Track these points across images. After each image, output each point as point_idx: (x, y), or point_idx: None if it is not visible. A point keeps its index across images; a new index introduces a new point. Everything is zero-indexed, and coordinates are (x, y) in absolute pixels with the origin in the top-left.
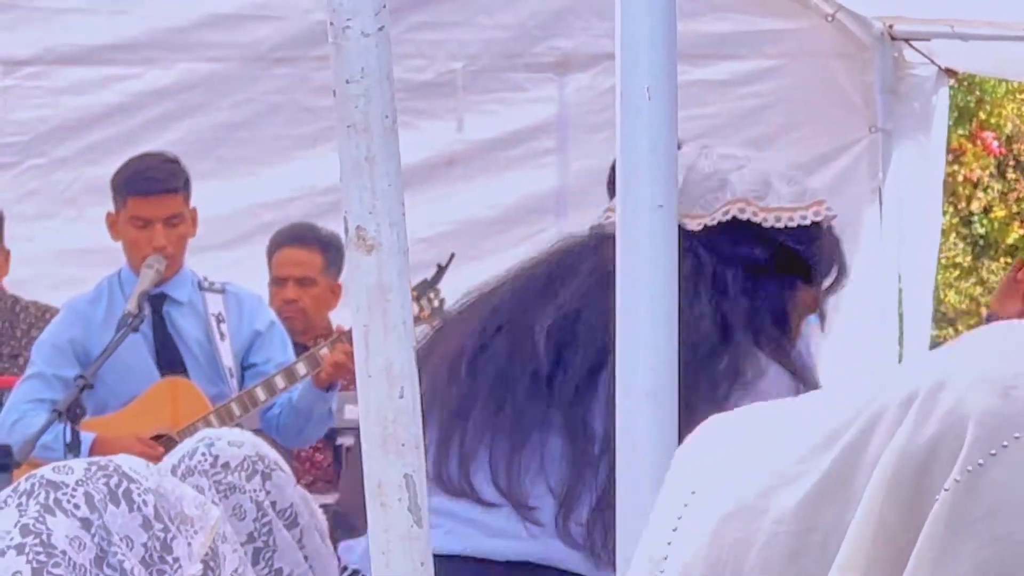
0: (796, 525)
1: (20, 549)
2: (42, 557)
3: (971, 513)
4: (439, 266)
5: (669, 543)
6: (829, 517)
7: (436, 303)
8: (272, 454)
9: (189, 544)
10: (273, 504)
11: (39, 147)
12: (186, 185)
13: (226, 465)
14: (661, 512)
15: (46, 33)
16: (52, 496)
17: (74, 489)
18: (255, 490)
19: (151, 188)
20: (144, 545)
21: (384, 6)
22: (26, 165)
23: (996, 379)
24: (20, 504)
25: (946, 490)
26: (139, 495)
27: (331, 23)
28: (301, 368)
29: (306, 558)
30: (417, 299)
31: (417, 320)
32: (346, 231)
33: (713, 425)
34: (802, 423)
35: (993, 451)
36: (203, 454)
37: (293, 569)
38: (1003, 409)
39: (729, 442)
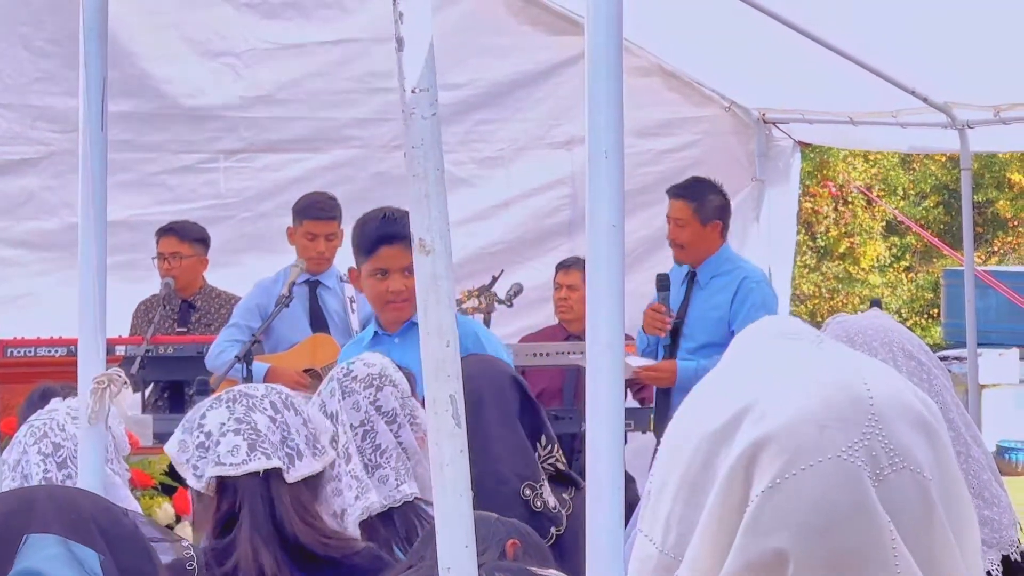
0: (705, 448)
1: (236, 432)
2: (252, 436)
3: (776, 508)
4: (493, 277)
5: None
6: (715, 454)
7: (490, 301)
8: (394, 376)
9: (324, 439)
10: (378, 407)
11: (246, 205)
12: (340, 214)
13: (354, 377)
14: None
15: (249, 133)
16: (250, 402)
17: (261, 399)
18: (367, 395)
19: (320, 215)
20: (305, 436)
21: (436, 100)
22: (239, 217)
23: (817, 417)
24: (229, 407)
25: (762, 491)
26: (299, 407)
27: (403, 111)
28: None
29: (400, 444)
30: (478, 297)
31: (476, 310)
32: (412, 241)
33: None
34: (728, 377)
35: (800, 469)
36: (342, 367)
37: (388, 446)
38: (814, 441)
39: (726, 362)
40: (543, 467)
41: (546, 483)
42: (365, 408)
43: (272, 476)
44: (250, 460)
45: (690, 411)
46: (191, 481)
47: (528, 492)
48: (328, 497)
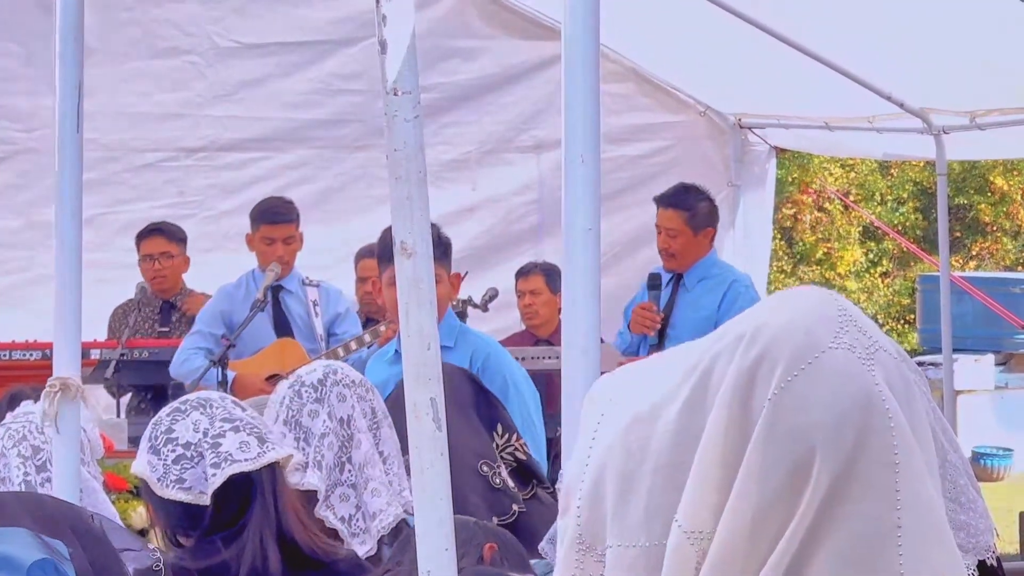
0: (675, 426)
1: (236, 429)
2: (256, 430)
3: (787, 411)
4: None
5: (590, 448)
6: (694, 421)
7: (457, 302)
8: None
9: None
10: (379, 407)
11: (208, 203)
12: (297, 217)
13: (353, 382)
14: (582, 433)
15: (211, 131)
16: (222, 403)
17: (222, 399)
18: (372, 399)
19: (276, 219)
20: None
21: (418, 102)
22: (200, 216)
23: (798, 322)
24: (203, 412)
25: (768, 399)
26: (250, 414)
27: (386, 113)
28: (367, 338)
29: (396, 445)
30: (458, 288)
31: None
32: (394, 244)
33: (612, 375)
34: (672, 364)
35: (799, 369)
36: (344, 374)
37: (391, 452)
38: (803, 342)
39: (624, 382)
40: (502, 456)
41: (503, 467)
42: (371, 413)
43: (277, 469)
44: (264, 452)
45: (627, 413)
46: (179, 495)
47: (486, 469)
48: (334, 502)
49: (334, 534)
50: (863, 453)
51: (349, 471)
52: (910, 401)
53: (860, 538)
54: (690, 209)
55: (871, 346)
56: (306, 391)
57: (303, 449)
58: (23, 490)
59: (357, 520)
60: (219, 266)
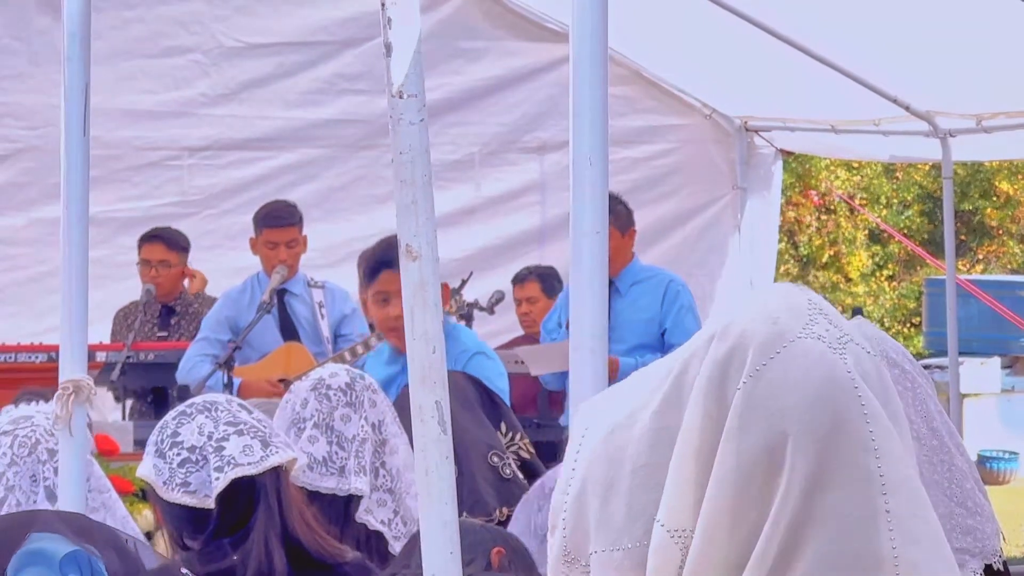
0: (651, 426)
1: (240, 433)
2: (261, 433)
3: (758, 398)
4: (463, 280)
5: (574, 464)
6: (670, 420)
7: (460, 302)
8: None
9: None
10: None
11: (211, 202)
12: (300, 220)
13: (380, 388)
14: (568, 452)
15: (215, 130)
16: (228, 406)
17: (228, 403)
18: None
19: (278, 223)
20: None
21: (423, 106)
22: (203, 214)
23: (766, 314)
24: (207, 415)
25: (739, 388)
26: (256, 417)
27: (391, 117)
28: (373, 341)
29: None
30: (447, 300)
31: (446, 313)
32: (399, 247)
33: (593, 399)
34: (648, 375)
35: (768, 358)
36: (370, 380)
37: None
38: (773, 331)
39: (604, 400)
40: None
41: (512, 461)
42: (393, 415)
43: (281, 472)
44: (268, 456)
45: (606, 425)
46: (184, 499)
47: (496, 460)
48: (372, 507)
49: (378, 537)
50: (840, 438)
51: (384, 476)
52: (887, 395)
53: (849, 524)
54: (612, 211)
55: (842, 337)
56: (335, 394)
57: (336, 453)
58: (55, 505)
59: (396, 524)
60: (220, 264)
